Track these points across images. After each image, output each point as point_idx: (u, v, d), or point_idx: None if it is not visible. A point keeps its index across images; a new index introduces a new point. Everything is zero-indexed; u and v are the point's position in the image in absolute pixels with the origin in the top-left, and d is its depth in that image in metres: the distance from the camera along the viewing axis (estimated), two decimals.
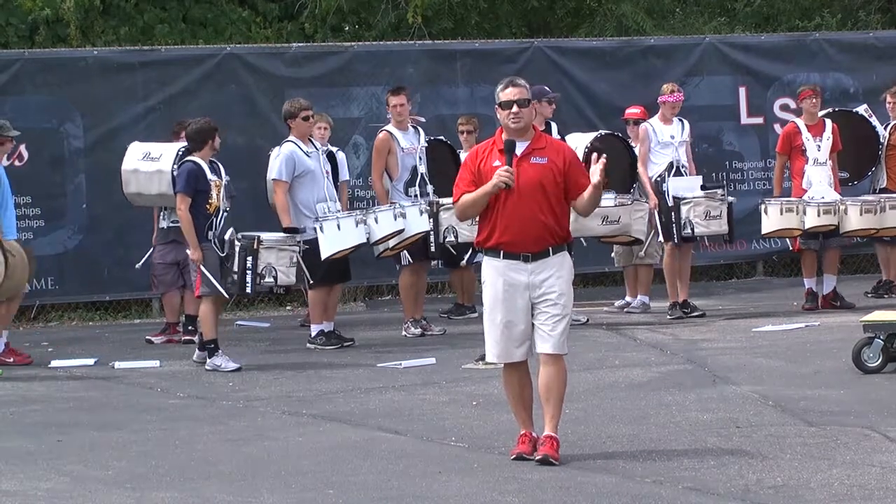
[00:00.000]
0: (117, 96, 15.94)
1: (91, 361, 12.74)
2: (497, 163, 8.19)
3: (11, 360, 12.69)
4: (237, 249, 12.07)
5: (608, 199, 13.81)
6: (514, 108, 8.20)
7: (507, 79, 8.40)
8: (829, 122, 14.72)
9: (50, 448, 9.08)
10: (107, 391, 11.40)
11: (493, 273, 8.23)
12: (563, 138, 12.66)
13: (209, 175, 12.24)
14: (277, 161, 13.01)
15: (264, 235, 12.30)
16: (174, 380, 11.77)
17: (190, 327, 13.60)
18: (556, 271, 8.18)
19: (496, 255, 8.21)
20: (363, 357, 12.53)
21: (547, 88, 13.96)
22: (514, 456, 8.22)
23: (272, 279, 12.22)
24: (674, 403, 9.80)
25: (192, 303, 13.40)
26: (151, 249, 13.91)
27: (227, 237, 12.15)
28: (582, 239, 13.53)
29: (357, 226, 12.92)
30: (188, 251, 12.31)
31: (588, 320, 14.18)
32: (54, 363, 12.73)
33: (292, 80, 16.42)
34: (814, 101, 14.61)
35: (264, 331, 14.91)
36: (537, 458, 8.08)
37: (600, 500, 7.34)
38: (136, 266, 14.28)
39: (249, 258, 12.05)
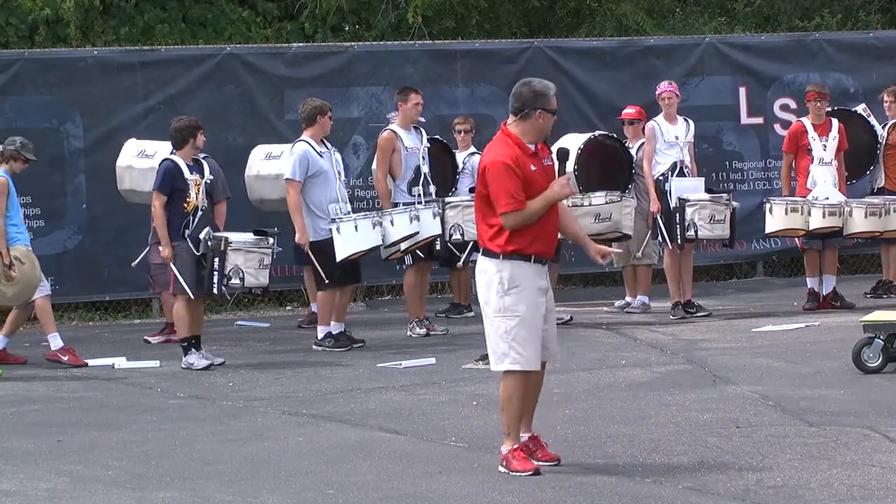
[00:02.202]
0: (117, 96, 15.94)
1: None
2: (533, 167, 7.97)
3: (66, 358, 12.68)
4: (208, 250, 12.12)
5: (599, 197, 13.84)
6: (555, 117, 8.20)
7: (550, 84, 8.16)
8: (835, 121, 14.70)
9: (50, 448, 9.08)
10: (107, 391, 11.40)
11: (527, 279, 7.95)
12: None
13: (187, 174, 12.26)
14: (291, 159, 12.88)
15: (233, 236, 12.29)
16: (174, 380, 11.77)
17: None
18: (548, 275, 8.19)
19: (527, 261, 7.95)
20: (363, 357, 12.52)
21: None
22: (529, 472, 7.84)
23: (239, 280, 12.18)
24: (674, 403, 9.80)
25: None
26: (147, 248, 13.91)
27: (201, 236, 12.17)
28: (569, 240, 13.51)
29: (374, 228, 12.84)
30: (160, 248, 12.36)
31: (571, 318, 14.19)
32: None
33: (292, 80, 16.42)
34: (819, 103, 14.59)
35: (264, 331, 14.90)
36: (551, 464, 8.00)
37: (600, 500, 7.34)
38: (132, 264, 14.27)
39: (217, 259, 12.07)
